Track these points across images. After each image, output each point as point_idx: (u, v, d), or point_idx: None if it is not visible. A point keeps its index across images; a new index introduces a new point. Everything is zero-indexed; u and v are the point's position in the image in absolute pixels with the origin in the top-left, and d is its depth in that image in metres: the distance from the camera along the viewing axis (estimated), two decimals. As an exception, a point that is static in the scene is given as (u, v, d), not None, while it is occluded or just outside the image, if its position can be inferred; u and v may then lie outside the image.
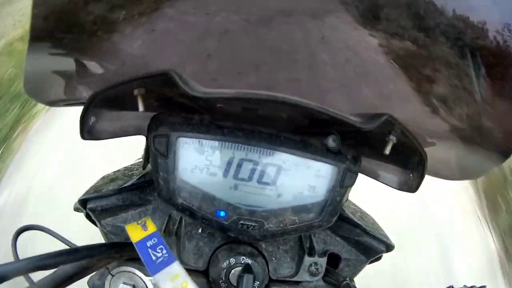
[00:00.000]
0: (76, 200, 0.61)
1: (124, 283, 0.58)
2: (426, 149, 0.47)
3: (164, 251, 0.49)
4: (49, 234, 0.64)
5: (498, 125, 0.48)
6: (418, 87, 0.45)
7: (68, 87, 0.48)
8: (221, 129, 0.49)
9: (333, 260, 0.64)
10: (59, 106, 0.51)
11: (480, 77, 0.42)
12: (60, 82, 0.47)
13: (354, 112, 0.44)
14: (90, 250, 0.47)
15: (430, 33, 0.42)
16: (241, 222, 0.52)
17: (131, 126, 0.53)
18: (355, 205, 0.73)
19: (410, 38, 0.43)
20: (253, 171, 0.50)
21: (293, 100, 0.41)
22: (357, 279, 0.66)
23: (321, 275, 0.61)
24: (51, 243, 0.65)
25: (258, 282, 0.58)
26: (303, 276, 0.61)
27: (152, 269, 0.48)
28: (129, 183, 0.59)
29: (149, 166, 0.58)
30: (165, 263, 0.48)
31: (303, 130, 0.50)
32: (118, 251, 0.51)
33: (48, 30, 0.41)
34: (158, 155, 0.49)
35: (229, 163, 0.50)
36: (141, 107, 0.44)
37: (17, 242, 0.58)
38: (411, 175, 0.51)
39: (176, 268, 0.48)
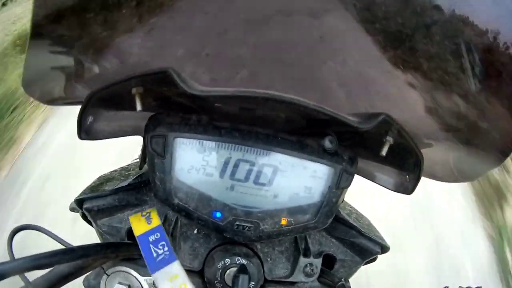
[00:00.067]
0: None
1: (119, 283, 0.58)
2: (423, 151, 0.47)
3: (166, 248, 0.50)
4: (45, 233, 0.64)
5: (495, 126, 0.48)
6: (415, 87, 0.45)
7: (67, 85, 0.47)
8: (219, 129, 0.49)
9: (328, 261, 0.64)
10: (58, 104, 0.51)
11: (478, 76, 0.42)
12: (59, 80, 0.47)
13: (351, 112, 0.44)
14: (86, 250, 0.47)
15: (427, 31, 0.42)
16: (237, 223, 0.52)
17: (129, 126, 0.53)
18: (351, 207, 0.73)
19: (408, 37, 0.43)
20: (249, 171, 0.50)
21: (290, 98, 0.41)
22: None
23: (316, 275, 0.62)
24: (47, 242, 0.65)
25: (253, 283, 0.58)
26: (298, 276, 0.61)
27: (152, 267, 0.48)
28: (126, 183, 0.59)
29: (146, 166, 0.58)
30: (166, 261, 0.49)
31: (300, 131, 0.50)
32: (114, 251, 0.51)
33: (49, 28, 0.41)
34: (155, 155, 0.49)
35: (226, 164, 0.50)
36: (139, 106, 0.44)
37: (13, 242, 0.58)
38: (407, 176, 0.52)
39: (176, 267, 0.49)
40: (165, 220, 0.59)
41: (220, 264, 0.58)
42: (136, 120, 0.52)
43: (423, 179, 0.51)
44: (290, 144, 0.50)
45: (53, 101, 0.50)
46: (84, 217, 0.62)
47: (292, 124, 0.49)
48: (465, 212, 2.34)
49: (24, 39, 2.93)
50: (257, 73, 0.46)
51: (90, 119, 0.46)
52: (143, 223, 0.52)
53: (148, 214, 0.53)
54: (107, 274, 0.57)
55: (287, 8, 0.43)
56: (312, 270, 0.61)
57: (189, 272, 0.59)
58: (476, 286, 0.55)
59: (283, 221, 0.53)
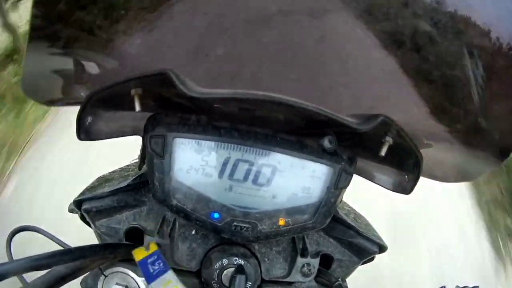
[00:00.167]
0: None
1: (117, 283, 0.58)
2: (422, 151, 0.48)
3: (161, 264, 0.53)
4: (44, 235, 0.64)
5: (495, 126, 0.48)
6: (415, 88, 0.46)
7: (66, 86, 0.47)
8: (218, 129, 0.49)
9: (326, 260, 0.64)
10: (57, 105, 0.51)
11: (478, 77, 0.43)
12: (58, 81, 0.47)
13: (351, 113, 0.44)
14: (84, 251, 0.47)
15: (428, 32, 0.42)
16: (235, 223, 0.52)
17: (128, 126, 0.53)
18: (349, 206, 0.73)
19: (408, 38, 0.43)
20: (248, 171, 0.50)
21: (289, 101, 0.41)
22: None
23: (313, 275, 0.62)
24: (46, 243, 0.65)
25: (250, 283, 0.58)
26: (296, 276, 0.61)
27: (149, 280, 0.51)
28: (125, 184, 0.59)
29: (145, 167, 0.58)
30: (161, 273, 0.52)
31: (299, 131, 0.50)
32: (112, 252, 0.52)
33: (48, 29, 0.41)
34: (154, 156, 0.49)
35: (225, 164, 0.50)
36: (137, 107, 0.44)
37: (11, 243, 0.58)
38: (406, 176, 0.52)
39: (169, 275, 0.52)
40: (163, 221, 0.59)
41: (217, 265, 0.58)
42: (135, 120, 0.52)
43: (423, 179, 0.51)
44: (289, 144, 0.50)
45: (52, 102, 0.50)
46: (82, 218, 0.62)
47: (291, 124, 0.50)
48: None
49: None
50: (257, 74, 0.46)
51: (89, 119, 0.46)
52: (142, 252, 0.54)
53: (148, 245, 0.56)
54: (104, 275, 0.57)
55: (287, 8, 0.43)
56: (310, 270, 0.61)
57: (187, 272, 0.60)
58: (473, 286, 0.56)
59: (281, 222, 0.53)
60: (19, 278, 0.49)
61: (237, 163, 0.50)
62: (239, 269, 0.56)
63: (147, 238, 0.57)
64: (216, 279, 0.58)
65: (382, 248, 0.65)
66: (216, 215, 0.51)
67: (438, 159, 0.53)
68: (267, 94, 0.41)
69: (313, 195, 0.52)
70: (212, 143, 0.49)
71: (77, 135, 0.46)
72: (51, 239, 0.64)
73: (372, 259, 0.67)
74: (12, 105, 2.52)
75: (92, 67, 0.46)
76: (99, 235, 0.61)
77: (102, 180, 0.65)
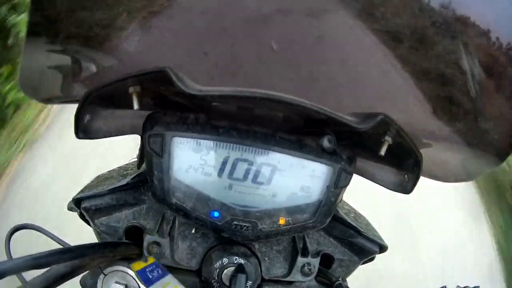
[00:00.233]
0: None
1: (116, 282, 0.57)
2: (422, 150, 0.47)
3: (160, 271, 0.53)
4: (43, 233, 0.64)
5: (495, 126, 0.48)
6: (414, 87, 0.45)
7: (64, 84, 0.47)
8: (217, 128, 0.49)
9: (326, 260, 0.64)
10: (54, 103, 0.51)
11: (477, 77, 0.42)
12: (56, 79, 0.47)
13: (350, 112, 0.44)
14: (83, 250, 0.46)
15: (426, 32, 0.42)
16: (235, 222, 0.52)
17: (126, 125, 0.53)
18: (349, 206, 0.73)
19: (407, 37, 0.43)
20: (248, 171, 0.50)
21: (288, 98, 0.41)
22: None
23: (313, 275, 0.62)
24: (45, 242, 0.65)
25: (250, 282, 0.58)
26: (296, 276, 0.61)
27: (148, 284, 0.51)
28: (124, 182, 0.59)
29: (144, 165, 0.58)
30: (160, 277, 0.53)
31: (298, 130, 0.50)
32: (111, 250, 0.51)
33: (46, 26, 0.41)
34: (153, 155, 0.49)
35: (224, 163, 0.50)
36: (136, 105, 0.44)
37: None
38: (406, 176, 0.52)
39: (168, 278, 0.53)
40: (163, 220, 0.59)
41: (217, 264, 0.58)
42: (133, 118, 0.52)
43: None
44: (289, 143, 0.50)
45: (50, 99, 0.50)
46: (82, 216, 0.62)
47: (291, 123, 0.49)
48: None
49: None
50: (255, 72, 0.46)
51: (87, 117, 0.46)
52: (141, 264, 0.55)
53: (145, 258, 0.56)
54: (104, 274, 0.57)
55: (286, 8, 0.43)
56: (310, 269, 0.61)
57: (187, 271, 0.59)
58: (474, 286, 0.55)
59: (281, 221, 0.53)
60: (18, 277, 0.49)
61: (236, 162, 0.50)
62: (240, 268, 0.56)
63: (146, 237, 0.57)
64: (216, 278, 0.58)
65: (382, 248, 0.65)
66: (216, 214, 0.51)
67: (438, 159, 0.53)
68: (266, 92, 0.41)
69: (313, 194, 0.52)
70: (211, 142, 0.49)
71: (75, 133, 0.45)
72: (51, 237, 0.64)
73: (372, 259, 0.67)
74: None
75: (90, 65, 0.46)
76: (98, 234, 0.61)
77: (101, 179, 0.65)
